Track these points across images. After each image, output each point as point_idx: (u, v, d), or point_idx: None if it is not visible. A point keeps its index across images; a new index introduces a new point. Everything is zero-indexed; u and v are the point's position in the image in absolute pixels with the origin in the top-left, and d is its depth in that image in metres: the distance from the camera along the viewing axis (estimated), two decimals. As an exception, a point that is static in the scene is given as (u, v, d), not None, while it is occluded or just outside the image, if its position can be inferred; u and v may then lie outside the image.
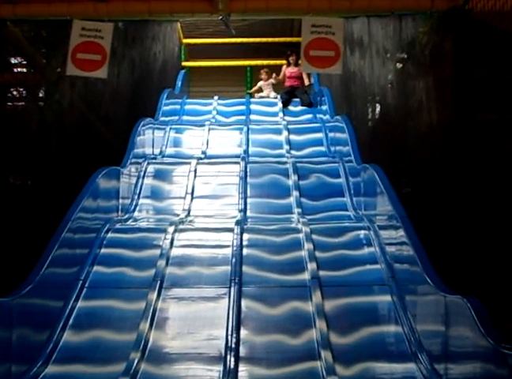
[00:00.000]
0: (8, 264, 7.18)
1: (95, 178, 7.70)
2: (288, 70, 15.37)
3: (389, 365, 5.59)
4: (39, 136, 8.27)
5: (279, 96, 15.54)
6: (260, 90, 16.95)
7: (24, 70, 8.77)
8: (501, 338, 4.25)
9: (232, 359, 5.52)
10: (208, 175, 9.93)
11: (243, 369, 5.50)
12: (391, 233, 6.93)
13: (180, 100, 15.49)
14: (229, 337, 5.79)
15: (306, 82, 15.28)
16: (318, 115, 14.01)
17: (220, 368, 5.47)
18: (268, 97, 16.28)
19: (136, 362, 5.50)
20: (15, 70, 8.61)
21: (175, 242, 7.45)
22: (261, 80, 16.81)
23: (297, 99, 14.98)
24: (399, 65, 9.28)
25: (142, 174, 9.77)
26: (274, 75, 16.50)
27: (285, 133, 12.19)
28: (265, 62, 19.45)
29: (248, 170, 9.95)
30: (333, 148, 11.25)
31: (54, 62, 8.85)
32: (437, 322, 5.31)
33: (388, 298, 6.38)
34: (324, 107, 13.70)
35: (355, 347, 5.78)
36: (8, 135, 7.72)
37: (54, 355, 5.73)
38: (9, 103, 8.63)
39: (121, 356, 5.61)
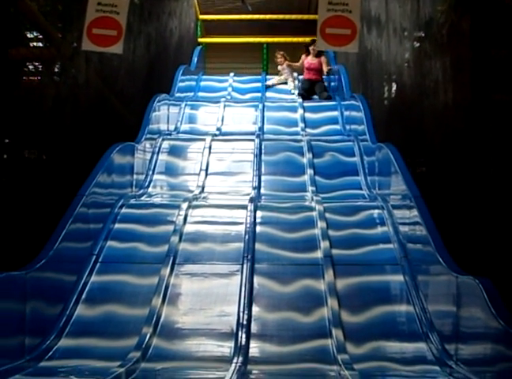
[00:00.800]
0: (22, 239, 7.22)
1: (109, 153, 7.72)
2: (308, 61, 14.21)
3: (400, 344, 5.62)
4: (55, 111, 8.28)
5: (296, 87, 14.74)
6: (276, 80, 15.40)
7: (40, 45, 8.75)
8: (512, 319, 4.26)
9: (244, 336, 5.56)
10: (222, 152, 9.92)
11: (254, 346, 5.53)
12: (405, 212, 6.92)
13: (196, 76, 15.46)
14: (241, 314, 5.82)
15: (325, 68, 14.09)
16: (333, 93, 13.96)
17: (232, 344, 5.50)
18: (286, 83, 15.00)
19: (148, 336, 5.55)
20: (31, 45, 8.60)
21: (189, 219, 7.47)
22: (277, 64, 15.38)
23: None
24: (416, 44, 9.20)
25: (157, 150, 9.79)
26: (287, 63, 15.10)
27: (300, 110, 12.16)
28: (281, 39, 19.39)
29: (263, 147, 9.95)
30: (348, 127, 11.21)
31: (69, 37, 8.84)
32: (448, 303, 5.31)
33: (400, 277, 6.38)
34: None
35: (366, 326, 5.80)
36: (23, 109, 7.73)
37: (67, 329, 5.78)
38: (25, 78, 8.63)
39: (133, 331, 5.65)
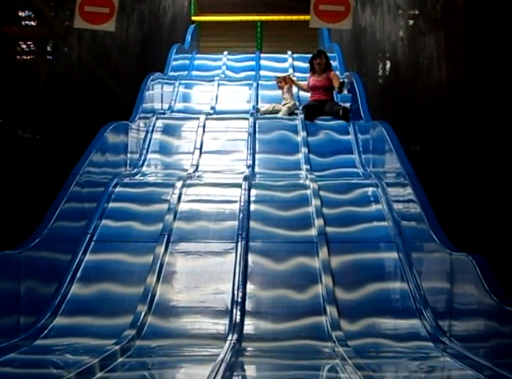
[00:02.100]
0: (17, 218, 7.22)
1: (103, 132, 7.70)
2: (313, 79, 10.99)
3: (394, 321, 5.63)
4: (48, 90, 8.24)
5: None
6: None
7: (33, 23, 8.70)
8: (505, 295, 4.27)
9: (238, 313, 5.58)
10: (216, 131, 9.90)
11: (249, 323, 5.55)
12: (399, 190, 6.93)
13: (190, 55, 15.39)
14: (235, 291, 5.83)
15: (336, 83, 10.64)
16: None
17: (226, 321, 5.52)
18: (289, 106, 10.92)
19: (143, 314, 5.56)
20: (23, 23, 8.55)
21: (183, 197, 7.47)
22: (280, 88, 11.43)
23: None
24: (410, 21, 9.17)
25: (151, 128, 9.76)
26: (287, 87, 11.36)
27: (295, 88, 12.11)
28: (275, 18, 19.30)
29: (257, 125, 9.93)
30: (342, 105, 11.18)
31: (62, 15, 8.79)
32: (442, 279, 5.33)
33: (394, 255, 6.40)
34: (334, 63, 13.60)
35: (360, 303, 5.82)
36: (16, 89, 7.70)
37: (62, 307, 5.79)
38: (17, 57, 8.58)
39: (128, 309, 5.66)
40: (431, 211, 5.93)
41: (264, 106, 11.07)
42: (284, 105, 10.93)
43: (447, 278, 5.22)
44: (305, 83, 11.36)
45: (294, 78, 11.87)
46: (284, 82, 11.39)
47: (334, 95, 11.02)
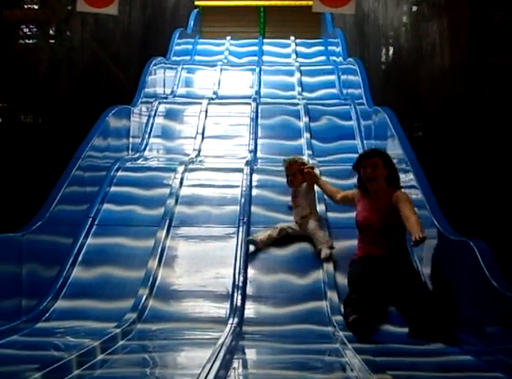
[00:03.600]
0: (19, 202, 7.23)
1: (105, 116, 7.70)
2: (362, 205, 5.87)
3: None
4: (50, 74, 8.24)
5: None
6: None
7: (35, 7, 8.68)
8: (505, 281, 4.27)
9: (239, 297, 5.59)
10: (219, 116, 9.90)
11: (250, 307, 5.57)
12: (401, 176, 6.91)
13: (192, 40, 15.36)
14: (236, 276, 5.84)
15: (414, 225, 5.20)
16: (331, 57, 13.89)
17: (227, 305, 5.54)
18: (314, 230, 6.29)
19: (144, 298, 5.58)
20: (25, 7, 8.53)
21: (185, 181, 7.47)
22: (288, 182, 6.69)
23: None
24: (413, 7, 9.14)
25: (153, 113, 9.76)
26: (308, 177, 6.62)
27: (297, 74, 12.11)
28: (278, 3, 19.23)
29: (259, 111, 9.92)
30: (345, 91, 11.17)
31: (64, -1, 8.77)
32: (443, 265, 5.34)
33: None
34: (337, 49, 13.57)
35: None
36: (18, 73, 7.69)
37: (64, 291, 5.80)
38: (20, 41, 8.57)
39: (129, 293, 5.68)
40: (432, 197, 5.93)
41: (260, 234, 6.29)
42: (300, 225, 6.37)
43: (448, 264, 5.23)
44: (335, 189, 6.42)
45: (317, 171, 6.80)
46: (301, 175, 6.47)
47: (408, 247, 5.59)
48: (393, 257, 5.45)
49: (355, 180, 7.50)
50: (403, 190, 5.79)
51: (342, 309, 5.22)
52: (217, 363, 3.57)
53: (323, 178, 6.86)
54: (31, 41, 8.73)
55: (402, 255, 5.53)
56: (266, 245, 6.21)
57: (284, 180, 6.80)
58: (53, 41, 8.70)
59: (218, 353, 3.87)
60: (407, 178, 6.58)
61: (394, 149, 7.20)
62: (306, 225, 6.31)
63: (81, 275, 6.01)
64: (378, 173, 5.74)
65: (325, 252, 5.97)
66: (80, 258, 6.22)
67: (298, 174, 6.50)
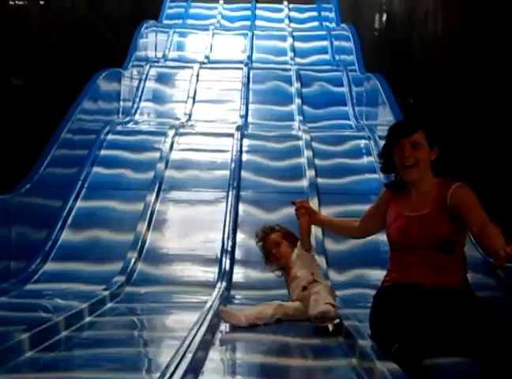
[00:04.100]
0: (8, 164, 7.20)
1: (96, 79, 7.66)
2: (397, 210, 3.75)
3: (382, 272, 5.67)
4: (40, 37, 8.16)
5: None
6: None
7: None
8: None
9: (228, 262, 5.62)
10: (210, 80, 9.86)
11: (238, 272, 5.60)
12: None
13: (185, 4, 15.22)
14: (225, 240, 5.86)
15: (493, 229, 3.25)
16: (324, 23, 13.81)
17: (216, 270, 5.56)
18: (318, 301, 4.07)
19: (133, 261, 5.60)
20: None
21: (175, 146, 7.46)
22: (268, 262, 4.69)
23: None
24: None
25: (144, 77, 9.71)
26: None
27: (290, 40, 12.04)
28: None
29: (251, 76, 9.88)
30: (337, 57, 11.13)
31: (55, -41, 8.67)
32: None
33: (384, 206, 6.40)
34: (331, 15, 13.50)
35: (348, 252, 5.85)
36: (8, 35, 7.62)
37: (53, 253, 5.82)
38: (11, 2, 8.48)
39: (118, 256, 5.70)
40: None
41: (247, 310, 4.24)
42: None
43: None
44: (346, 219, 4.39)
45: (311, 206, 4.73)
46: (287, 243, 4.63)
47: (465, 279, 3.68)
48: (450, 289, 3.46)
49: (346, 146, 7.54)
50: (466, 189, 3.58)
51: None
52: (204, 326, 3.59)
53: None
54: (20, 2, 8.64)
55: (462, 285, 3.53)
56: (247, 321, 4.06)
57: (275, 145, 6.80)
58: (42, 2, 8.61)
59: (205, 316, 3.89)
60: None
61: (385, 116, 7.21)
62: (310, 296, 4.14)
63: (70, 238, 6.01)
64: (421, 155, 3.61)
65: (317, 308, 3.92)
66: (69, 221, 6.22)
67: (283, 244, 4.54)
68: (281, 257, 4.52)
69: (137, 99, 9.25)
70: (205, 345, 3.31)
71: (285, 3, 15.16)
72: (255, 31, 12.53)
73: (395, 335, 3.15)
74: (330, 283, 4.49)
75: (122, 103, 8.71)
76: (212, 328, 3.79)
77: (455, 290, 3.44)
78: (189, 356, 2.80)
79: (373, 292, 5.32)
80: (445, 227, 3.54)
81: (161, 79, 9.78)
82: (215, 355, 3.44)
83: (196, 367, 2.86)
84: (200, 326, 3.53)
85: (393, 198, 3.80)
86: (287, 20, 14.23)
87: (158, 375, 2.52)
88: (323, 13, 14.25)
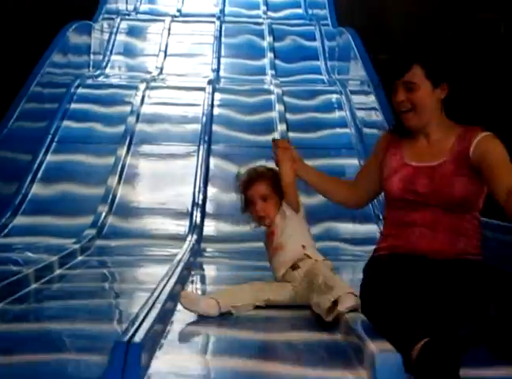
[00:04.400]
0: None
1: (65, 31, 7.57)
2: (399, 159, 2.98)
3: (353, 225, 5.73)
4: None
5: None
6: None
7: None
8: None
9: (199, 215, 5.64)
10: (182, 34, 9.77)
11: (209, 225, 5.63)
12: (362, 98, 6.93)
13: (156, -44, 14.99)
14: (196, 194, 5.87)
15: None
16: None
17: (187, 223, 5.58)
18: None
19: (103, 215, 5.61)
20: None
21: (146, 100, 7.42)
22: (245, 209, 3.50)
23: None
24: None
25: (115, 30, 9.59)
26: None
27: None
28: None
29: (223, 30, 9.80)
30: (310, 11, 11.04)
31: None
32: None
33: (355, 161, 6.45)
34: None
35: (319, 204, 5.87)
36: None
37: (23, 207, 5.80)
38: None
39: (89, 209, 5.70)
40: (392, 118, 5.95)
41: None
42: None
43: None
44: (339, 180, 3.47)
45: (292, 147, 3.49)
46: (273, 192, 3.42)
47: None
48: (462, 259, 2.81)
49: (317, 101, 7.54)
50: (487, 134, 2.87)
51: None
52: (174, 278, 3.60)
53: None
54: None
55: (476, 255, 2.87)
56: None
57: (247, 99, 6.77)
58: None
59: (175, 268, 3.90)
60: (368, 99, 6.60)
61: (357, 71, 7.21)
62: (311, 278, 3.13)
63: (41, 192, 5.99)
64: (417, 98, 2.88)
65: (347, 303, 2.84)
66: (39, 175, 6.19)
67: (271, 199, 3.41)
68: (266, 216, 3.40)
69: (108, 53, 9.16)
70: (175, 296, 3.32)
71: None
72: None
73: (404, 323, 2.43)
74: (327, 259, 3.38)
75: (92, 57, 8.63)
76: (182, 280, 3.81)
77: (468, 262, 2.78)
78: (158, 306, 2.81)
79: (345, 246, 5.49)
80: (463, 184, 2.83)
81: (132, 32, 9.67)
82: (184, 306, 3.45)
83: (165, 317, 2.88)
84: (169, 278, 3.54)
85: (393, 143, 3.03)
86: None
87: (126, 325, 2.53)
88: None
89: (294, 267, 3.27)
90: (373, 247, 5.14)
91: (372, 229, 5.64)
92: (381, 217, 5.64)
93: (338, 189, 3.26)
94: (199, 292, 3.90)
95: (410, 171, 2.91)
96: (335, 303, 2.80)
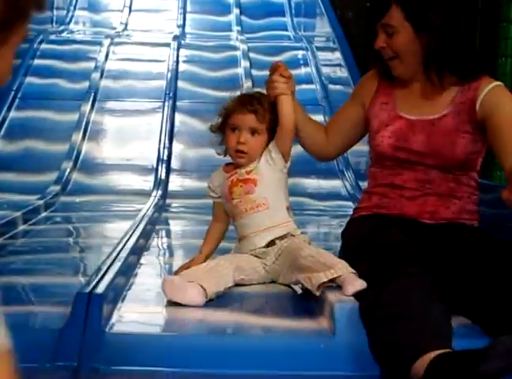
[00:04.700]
0: None
1: (27, -15, 7.42)
2: (390, 108, 2.65)
3: (317, 181, 5.77)
4: None
5: None
6: None
7: None
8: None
9: (164, 171, 5.64)
10: (147, -11, 9.64)
11: (174, 181, 5.63)
12: (328, 54, 6.94)
13: None
14: (161, 150, 5.86)
15: None
16: None
17: (152, 179, 5.58)
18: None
19: (68, 171, 5.58)
20: None
21: (111, 55, 7.34)
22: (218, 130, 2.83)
23: None
24: None
25: (79, -16, 9.44)
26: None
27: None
28: None
29: (188, -16, 9.68)
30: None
31: None
32: (364, 142, 5.42)
33: (320, 118, 6.43)
34: None
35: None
36: None
37: (-14, 164, 5.75)
38: None
39: (53, 166, 5.66)
40: (358, 75, 5.97)
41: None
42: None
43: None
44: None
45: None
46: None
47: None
48: (457, 224, 2.52)
49: (283, 57, 7.53)
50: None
51: None
52: (137, 233, 3.61)
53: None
54: None
55: (472, 220, 2.58)
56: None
57: (212, 55, 6.73)
58: None
59: (139, 223, 3.91)
60: (334, 56, 6.61)
61: (323, 27, 7.21)
62: (289, 254, 2.61)
63: (4, 149, 5.94)
64: (397, 43, 2.57)
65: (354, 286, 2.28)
66: (2, 132, 6.13)
67: (262, 135, 2.72)
68: (247, 152, 2.69)
69: (72, 8, 9.01)
70: (138, 250, 3.34)
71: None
72: None
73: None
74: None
75: (55, 12, 8.51)
76: (146, 235, 3.82)
77: (463, 227, 2.47)
78: (120, 259, 2.82)
79: (309, 201, 5.53)
80: (466, 142, 2.46)
81: (96, -13, 9.53)
82: (148, 260, 3.48)
83: (127, 270, 2.89)
84: (133, 232, 3.55)
85: (383, 89, 2.64)
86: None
87: (88, 278, 2.55)
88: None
89: (270, 243, 2.66)
90: (337, 203, 5.23)
91: (336, 184, 5.69)
92: (345, 173, 5.70)
93: (317, 132, 2.81)
94: (165, 246, 3.92)
95: (404, 125, 2.55)
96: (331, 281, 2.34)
